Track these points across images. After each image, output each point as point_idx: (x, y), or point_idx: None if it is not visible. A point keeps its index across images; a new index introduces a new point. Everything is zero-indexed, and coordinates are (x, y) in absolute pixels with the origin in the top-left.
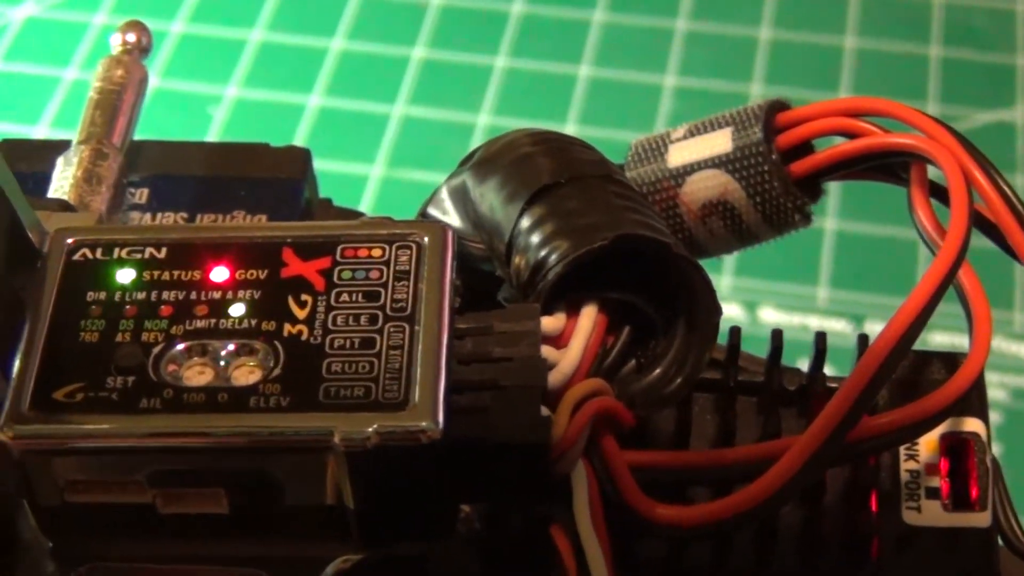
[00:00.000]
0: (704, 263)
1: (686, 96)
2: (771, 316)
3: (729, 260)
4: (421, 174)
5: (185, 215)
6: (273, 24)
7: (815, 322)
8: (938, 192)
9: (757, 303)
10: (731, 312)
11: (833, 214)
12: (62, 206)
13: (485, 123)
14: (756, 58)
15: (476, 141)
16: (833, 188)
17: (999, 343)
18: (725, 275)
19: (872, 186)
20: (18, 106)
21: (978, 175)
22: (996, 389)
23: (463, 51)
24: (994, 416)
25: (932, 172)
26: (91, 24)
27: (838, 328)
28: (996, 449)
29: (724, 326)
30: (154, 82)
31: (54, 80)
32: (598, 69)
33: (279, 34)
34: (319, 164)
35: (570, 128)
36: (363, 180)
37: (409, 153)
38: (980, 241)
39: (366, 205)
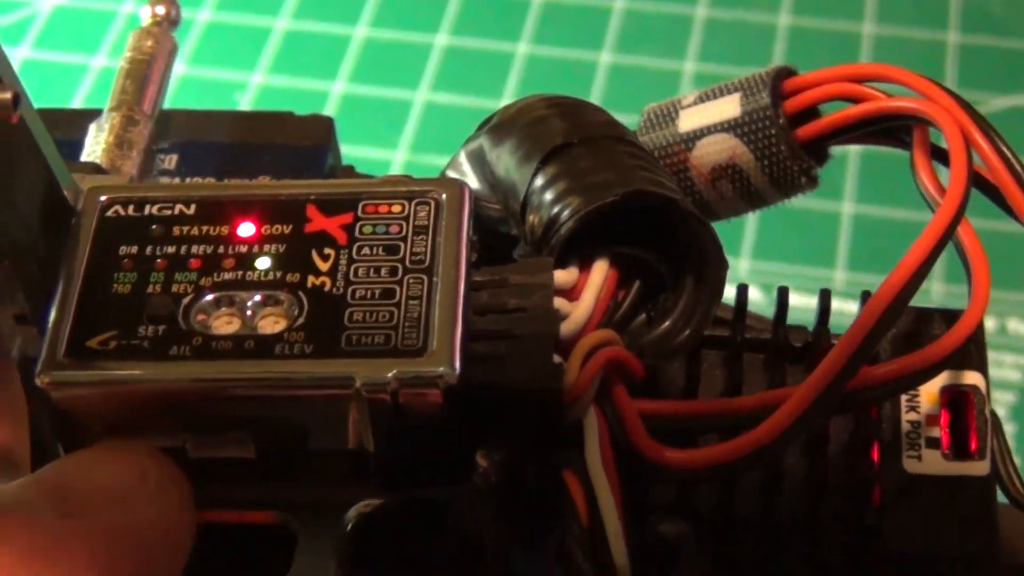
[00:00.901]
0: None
1: (705, 82)
2: (789, 298)
3: (747, 243)
4: (444, 159)
5: (213, 180)
6: (298, 12)
7: (833, 304)
8: (939, 155)
9: (775, 285)
10: (750, 295)
11: (850, 198)
12: (95, 169)
13: None
14: (775, 44)
15: None
16: (850, 172)
17: (1016, 325)
18: (743, 258)
19: (889, 170)
20: (47, 93)
21: (978, 137)
22: (1011, 370)
23: (485, 37)
24: (1009, 396)
25: (935, 135)
26: (118, 12)
27: (855, 310)
28: (1010, 428)
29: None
30: (181, 69)
31: (82, 68)
32: (619, 55)
33: (304, 22)
34: (344, 149)
35: None
36: (386, 165)
37: (432, 138)
38: (1000, 224)
39: None
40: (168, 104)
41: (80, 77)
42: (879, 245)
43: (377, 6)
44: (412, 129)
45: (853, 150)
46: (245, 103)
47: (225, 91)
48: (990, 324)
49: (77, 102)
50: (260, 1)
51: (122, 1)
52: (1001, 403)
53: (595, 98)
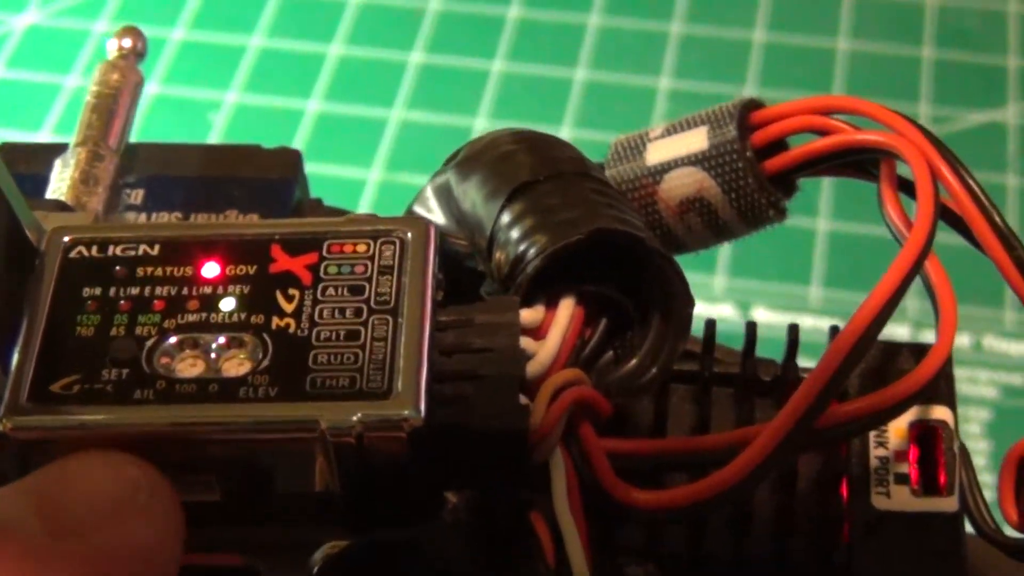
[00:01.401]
0: (697, 264)
1: (681, 98)
2: (764, 316)
3: (723, 261)
4: (419, 178)
5: (180, 215)
6: (272, 30)
7: (808, 321)
8: (907, 187)
9: (750, 303)
10: (724, 312)
11: (826, 215)
12: (59, 206)
13: (482, 126)
14: (750, 60)
15: None
16: (825, 190)
17: (991, 341)
18: (719, 275)
19: (864, 188)
20: (20, 113)
21: (945, 171)
22: (987, 387)
23: (460, 55)
24: (984, 413)
25: (902, 169)
26: (92, 32)
27: (828, 328)
28: (986, 446)
29: (719, 327)
30: (155, 88)
31: (55, 87)
32: (594, 72)
33: (278, 40)
34: (318, 168)
35: (566, 131)
36: (361, 184)
37: (407, 157)
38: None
39: (364, 208)
40: (143, 124)
41: (53, 97)
42: (854, 262)
43: (352, 24)
44: (387, 147)
45: None
46: (219, 122)
47: (199, 110)
48: (965, 340)
49: (50, 121)
50: (234, 19)
51: (95, 21)
52: (976, 420)
53: (570, 115)
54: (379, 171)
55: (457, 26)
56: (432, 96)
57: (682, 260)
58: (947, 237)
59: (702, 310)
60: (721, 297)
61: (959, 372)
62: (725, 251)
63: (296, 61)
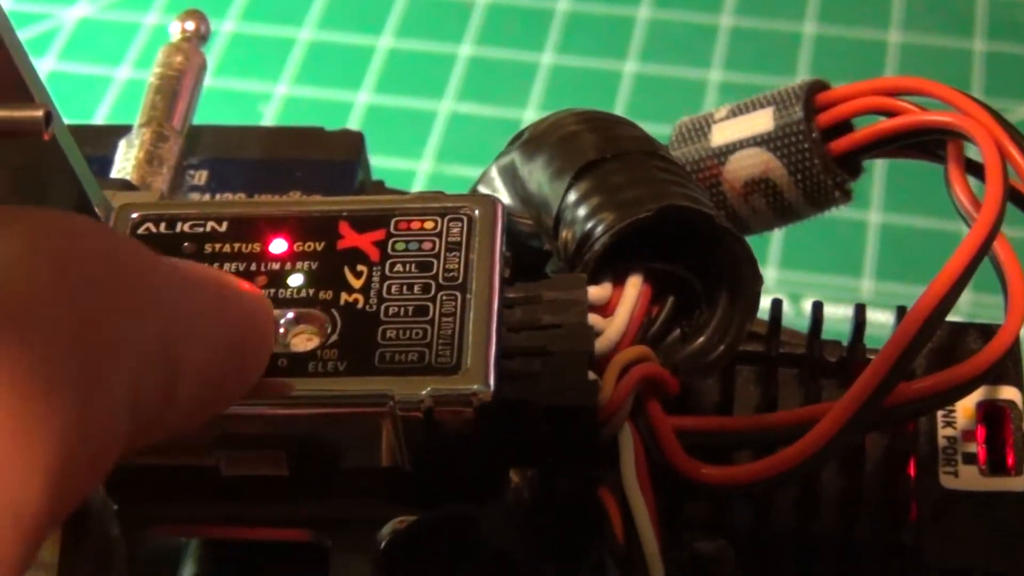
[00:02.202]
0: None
1: (731, 90)
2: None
3: (774, 253)
4: (468, 169)
5: (244, 197)
6: (322, 23)
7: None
8: (974, 169)
9: (802, 295)
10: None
11: (877, 207)
12: (125, 185)
13: (531, 118)
14: (800, 53)
15: None
16: (877, 181)
17: None
18: (770, 267)
19: (916, 179)
20: (72, 105)
21: (1013, 151)
22: None
23: (510, 48)
24: None
25: (969, 149)
26: (142, 24)
27: (882, 320)
28: None
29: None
30: (206, 80)
31: (106, 79)
32: (643, 65)
33: (328, 32)
34: (369, 160)
35: None
36: (411, 175)
37: (457, 148)
38: None
39: None
40: (194, 116)
41: (105, 89)
42: (906, 254)
43: (401, 17)
44: (437, 139)
45: (880, 160)
46: (270, 114)
47: (250, 102)
48: None
49: (101, 114)
50: (284, 12)
51: (146, 13)
52: None
53: (620, 107)
54: (429, 163)
55: (506, 18)
56: (481, 88)
57: None
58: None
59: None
60: (773, 289)
61: None
62: (776, 243)
63: (346, 53)
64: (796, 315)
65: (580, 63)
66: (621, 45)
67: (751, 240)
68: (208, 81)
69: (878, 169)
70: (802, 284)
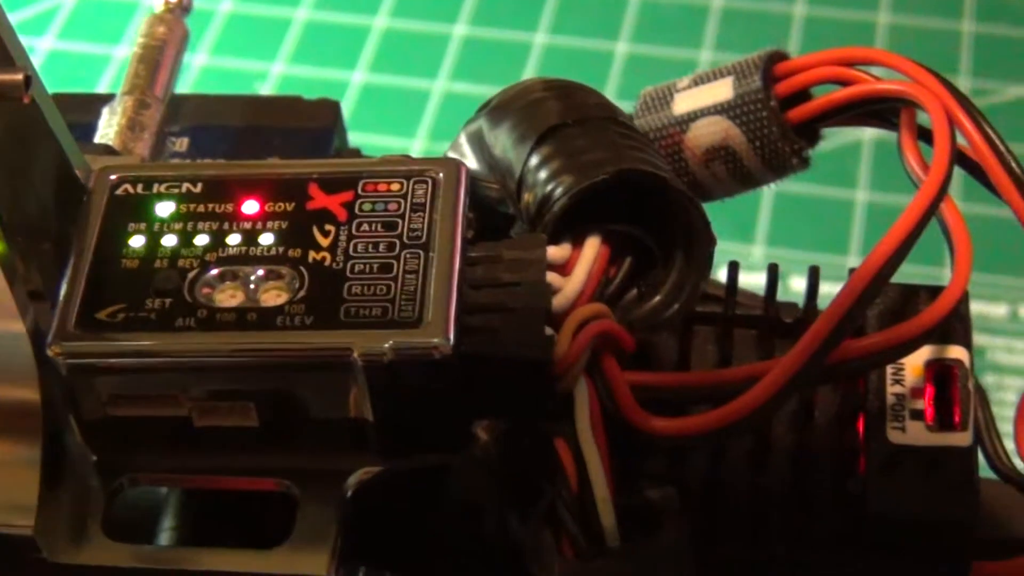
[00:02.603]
0: (735, 233)
1: None
2: (801, 285)
3: (761, 230)
4: None
5: (221, 161)
6: (318, 2)
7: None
8: (926, 136)
9: (788, 272)
10: (763, 280)
11: (864, 185)
12: (107, 151)
13: None
14: (791, 33)
15: None
16: (864, 161)
17: None
18: (757, 244)
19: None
20: (72, 83)
21: (962, 118)
22: (1023, 356)
23: (503, 28)
24: (1021, 382)
25: (922, 118)
26: (140, 3)
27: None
28: None
29: (756, 289)
30: (202, 59)
31: (105, 58)
32: (635, 45)
33: (323, 12)
34: (363, 138)
35: None
36: (405, 153)
37: (450, 127)
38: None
39: None
40: (176, 85)
41: (104, 67)
42: None
43: None
44: (430, 118)
45: (866, 139)
46: (265, 92)
47: (246, 80)
48: (1002, 310)
49: (101, 91)
50: None
51: None
52: (1013, 389)
53: (612, 87)
54: (423, 141)
55: None
56: (475, 68)
57: (721, 228)
58: (984, 208)
59: (740, 278)
60: (759, 266)
61: (996, 341)
62: (764, 221)
63: (341, 32)
64: (783, 292)
65: (573, 43)
66: (614, 25)
67: (738, 216)
68: (205, 60)
69: (865, 148)
70: (789, 261)
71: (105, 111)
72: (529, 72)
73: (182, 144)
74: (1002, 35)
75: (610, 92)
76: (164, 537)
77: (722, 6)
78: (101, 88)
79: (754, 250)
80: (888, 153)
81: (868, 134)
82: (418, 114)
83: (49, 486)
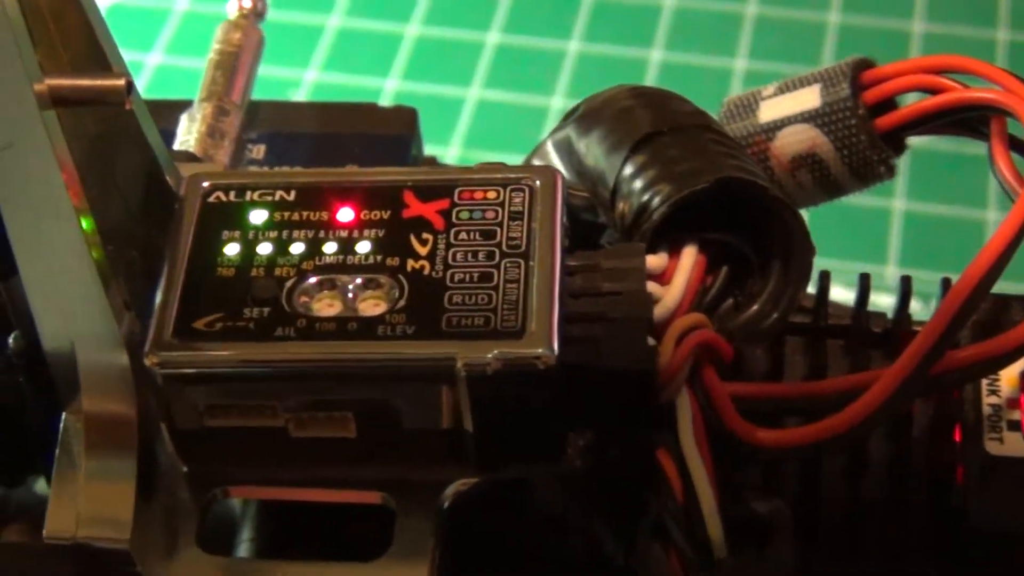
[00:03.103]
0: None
1: (756, 79)
2: (841, 295)
3: None
4: (496, 156)
5: (310, 168)
6: (351, 10)
7: (885, 300)
8: (1018, 146)
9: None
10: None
11: (902, 195)
12: (189, 157)
13: (558, 106)
14: (825, 42)
15: (550, 124)
16: (902, 169)
17: None
18: None
19: (940, 167)
20: None
21: None
22: None
23: (536, 35)
24: None
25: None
26: (173, 10)
27: (912, 306)
28: None
29: None
30: None
31: (138, 65)
32: (669, 53)
33: (357, 19)
34: None
35: None
36: (440, 161)
37: (484, 136)
38: None
39: None
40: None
41: (136, 74)
42: (930, 242)
43: (429, 4)
44: (464, 126)
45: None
46: (299, 99)
47: (279, 88)
48: None
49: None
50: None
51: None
52: None
53: None
54: (457, 149)
55: (534, 6)
56: (508, 76)
57: None
58: None
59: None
60: None
61: None
62: None
63: (374, 40)
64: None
65: (607, 51)
66: (647, 33)
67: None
68: None
69: (903, 158)
70: (827, 270)
71: (184, 118)
72: (563, 80)
73: (259, 151)
74: None
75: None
76: (243, 548)
77: (756, 14)
78: None
79: None
80: (925, 163)
81: (908, 142)
82: (452, 121)
83: (143, 498)
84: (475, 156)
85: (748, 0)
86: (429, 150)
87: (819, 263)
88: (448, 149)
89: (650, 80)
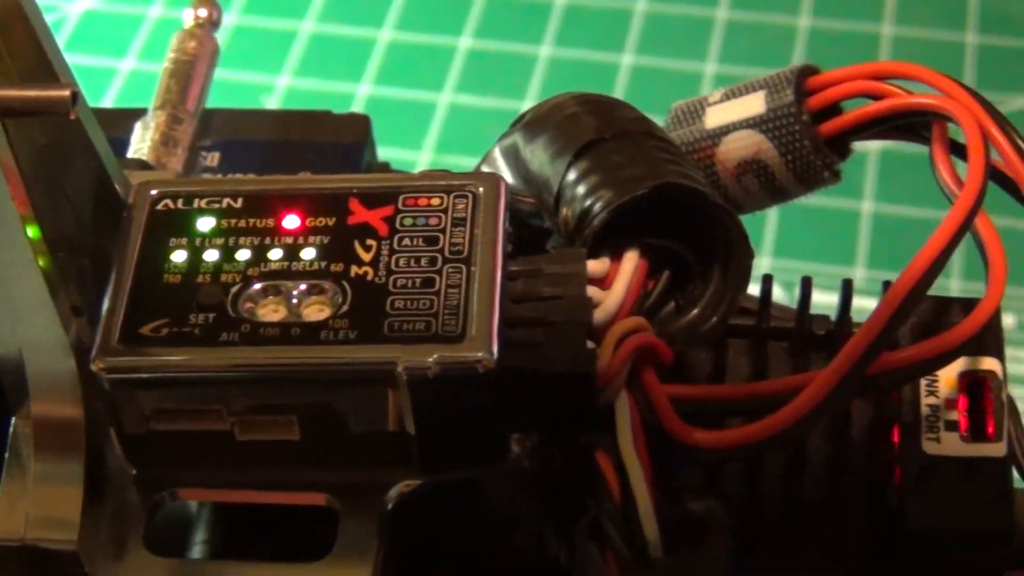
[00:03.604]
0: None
1: (726, 83)
2: (818, 298)
3: (768, 241)
4: (468, 159)
5: (257, 176)
6: (323, 15)
7: (854, 302)
8: (958, 150)
9: (794, 283)
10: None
11: (870, 196)
12: (141, 165)
13: None
14: (795, 45)
15: None
16: (870, 171)
17: None
18: (764, 256)
19: (908, 169)
20: None
21: (995, 132)
22: None
23: (508, 40)
24: None
25: (954, 131)
26: (146, 16)
27: (872, 306)
28: None
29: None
30: None
31: (111, 71)
32: (640, 57)
33: (329, 24)
34: None
35: None
36: (412, 165)
37: (456, 139)
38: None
39: None
40: (207, 100)
41: (109, 80)
42: (899, 243)
43: (402, 9)
44: (436, 130)
45: (873, 149)
46: (272, 105)
47: (252, 93)
48: (1009, 320)
49: (107, 104)
50: (286, 4)
51: (150, 5)
52: (1020, 399)
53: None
54: (429, 153)
55: (505, 10)
56: (481, 80)
57: None
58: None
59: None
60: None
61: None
62: (770, 232)
63: (347, 45)
64: (790, 304)
65: (578, 55)
66: (619, 37)
67: (746, 223)
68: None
69: (871, 159)
70: (796, 272)
71: (138, 126)
72: (534, 84)
73: (213, 159)
74: (1006, 46)
75: None
76: (196, 551)
77: (727, 19)
78: (107, 100)
79: (761, 261)
80: (893, 164)
81: (874, 145)
82: (424, 126)
83: (91, 501)
84: (447, 160)
85: (718, 4)
86: (402, 154)
87: (790, 264)
88: (420, 153)
89: (621, 84)
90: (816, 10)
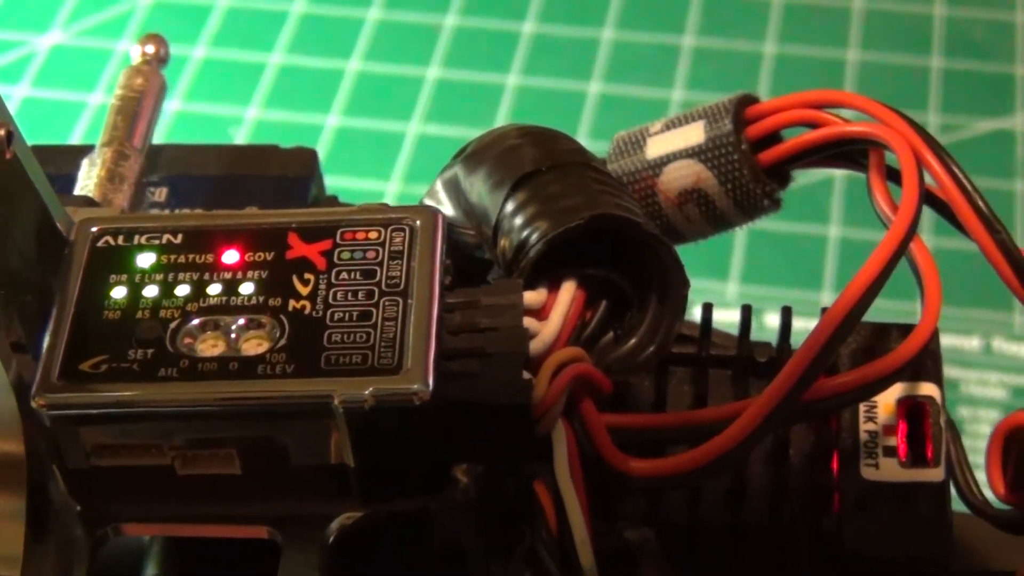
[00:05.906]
0: (710, 270)
1: None
2: (776, 321)
3: (736, 267)
4: None
5: (200, 211)
6: (292, 47)
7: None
8: (895, 176)
9: (763, 309)
10: (737, 318)
11: (837, 221)
12: (87, 202)
13: None
14: (761, 72)
15: None
16: (836, 197)
17: (1000, 344)
18: (731, 282)
19: None
20: (47, 130)
21: (930, 158)
22: (996, 388)
23: (476, 70)
24: (994, 414)
25: (891, 159)
26: (115, 51)
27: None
28: None
29: (730, 328)
30: (176, 105)
31: (80, 105)
32: (608, 85)
33: (298, 57)
34: (338, 180)
35: (581, 142)
36: (380, 196)
37: (424, 169)
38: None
39: None
40: (164, 138)
41: (78, 114)
42: None
43: (370, 40)
44: (405, 160)
45: (839, 175)
46: (241, 137)
47: (220, 125)
48: (975, 343)
49: (76, 138)
50: (255, 37)
51: (118, 40)
52: (986, 421)
53: (585, 127)
54: (397, 183)
55: (473, 41)
56: (449, 110)
57: (696, 266)
58: (957, 242)
59: (716, 315)
60: (733, 303)
61: (970, 374)
62: (738, 258)
63: (315, 77)
64: (758, 329)
65: (545, 84)
66: (586, 66)
67: (712, 253)
68: (180, 105)
69: (837, 185)
70: (763, 298)
71: (84, 163)
72: (502, 113)
73: (161, 194)
74: (970, 70)
75: (583, 132)
76: None
77: (693, 46)
78: (76, 135)
79: (728, 287)
80: (860, 189)
81: (840, 171)
82: (392, 157)
83: (34, 537)
84: (416, 191)
85: (685, 31)
86: (369, 185)
87: (757, 290)
88: (389, 184)
89: (589, 112)
90: (782, 36)
